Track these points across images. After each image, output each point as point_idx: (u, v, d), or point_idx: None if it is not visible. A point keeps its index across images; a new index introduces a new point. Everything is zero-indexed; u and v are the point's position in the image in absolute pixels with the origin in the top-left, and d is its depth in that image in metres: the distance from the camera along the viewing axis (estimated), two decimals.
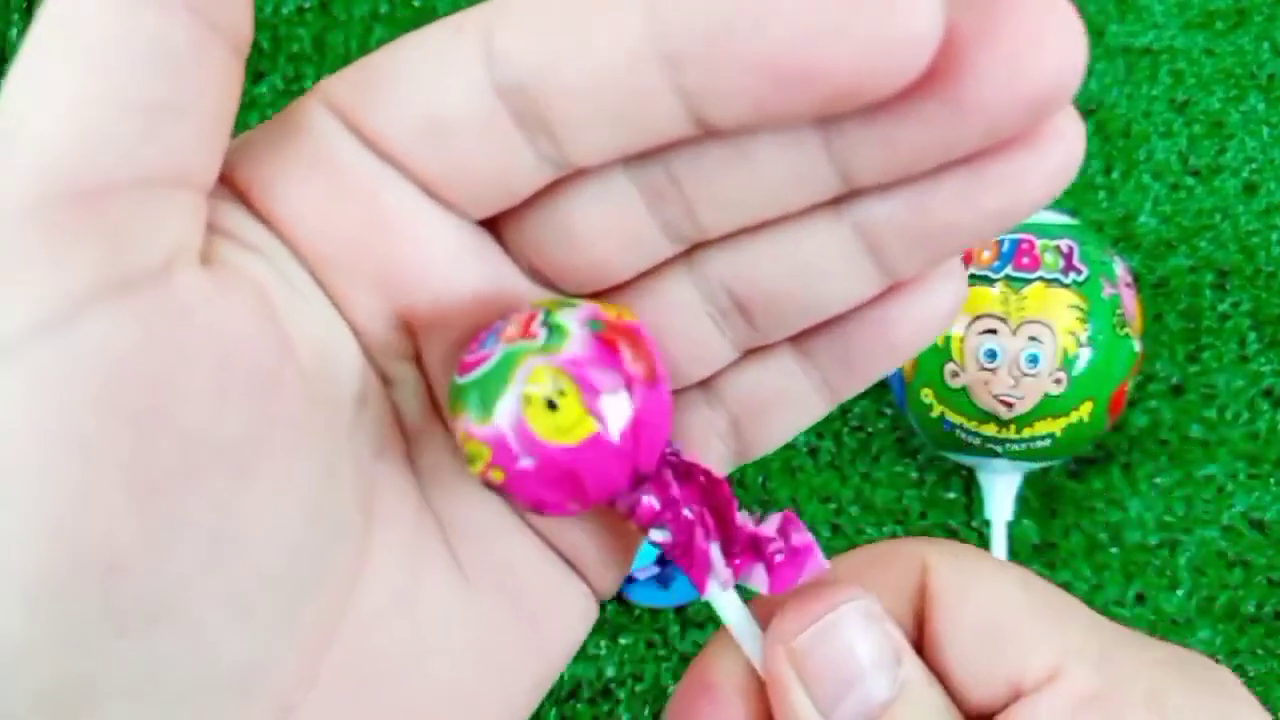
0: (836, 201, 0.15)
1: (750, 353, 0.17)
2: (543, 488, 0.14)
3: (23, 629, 0.12)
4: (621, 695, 0.39)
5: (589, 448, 0.14)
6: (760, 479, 0.41)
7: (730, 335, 0.16)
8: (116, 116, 0.12)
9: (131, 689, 0.12)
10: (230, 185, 0.15)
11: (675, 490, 0.15)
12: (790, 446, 0.41)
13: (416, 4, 0.44)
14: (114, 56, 0.12)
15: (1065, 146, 0.14)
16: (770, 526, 0.15)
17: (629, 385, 0.14)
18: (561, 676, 0.40)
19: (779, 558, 0.15)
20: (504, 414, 0.14)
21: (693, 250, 0.16)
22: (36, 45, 0.12)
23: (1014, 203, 0.14)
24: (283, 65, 0.44)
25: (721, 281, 0.16)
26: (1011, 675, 0.15)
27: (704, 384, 0.17)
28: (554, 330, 0.14)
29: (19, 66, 0.12)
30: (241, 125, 0.44)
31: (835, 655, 0.15)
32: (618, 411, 0.14)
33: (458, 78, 0.14)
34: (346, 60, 0.44)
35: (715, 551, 0.15)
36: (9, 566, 0.12)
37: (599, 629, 0.40)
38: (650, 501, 0.15)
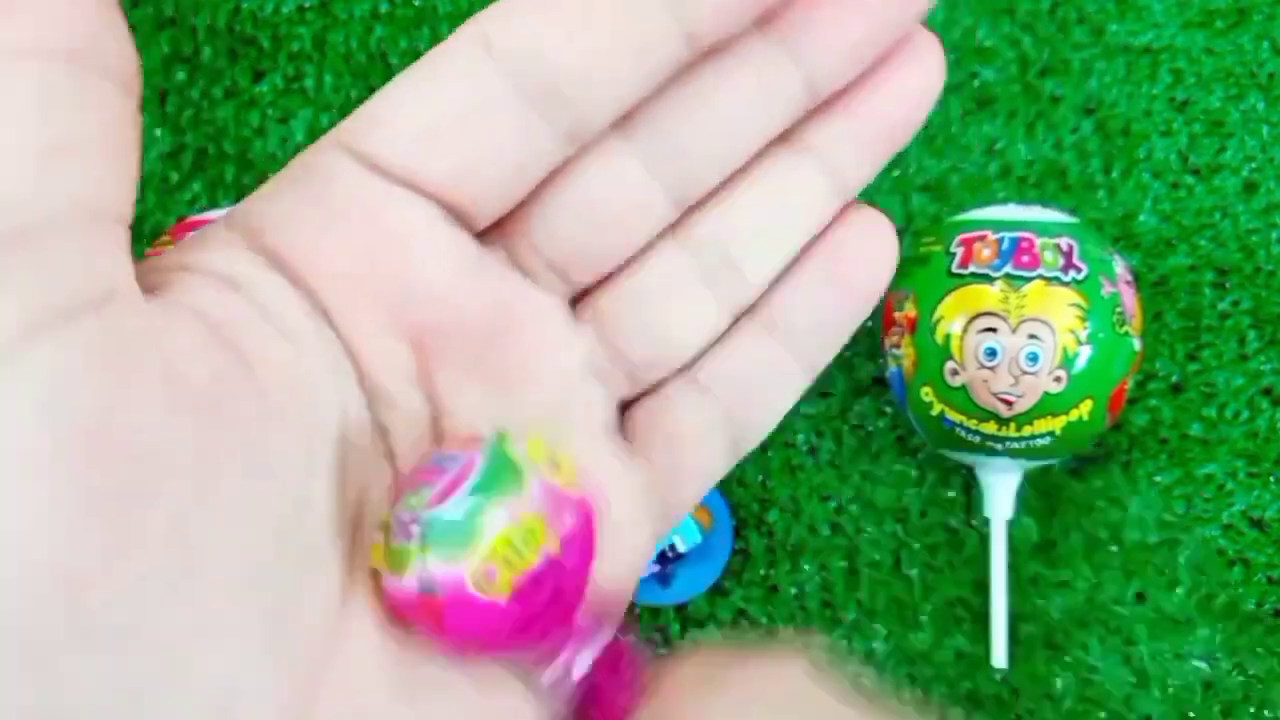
0: (789, 140, 0.18)
1: (732, 331, 0.18)
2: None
3: None
4: None
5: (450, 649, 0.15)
6: (760, 477, 0.41)
7: (722, 294, 0.18)
8: (13, 163, 0.12)
9: (103, 712, 0.12)
10: (245, 233, 0.15)
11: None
12: (790, 445, 0.41)
13: (417, 3, 0.44)
14: (1, 107, 0.12)
15: (933, 48, 0.18)
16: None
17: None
18: None
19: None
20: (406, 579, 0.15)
21: (679, 220, 0.18)
22: None
23: (928, 83, 0.18)
24: (283, 64, 0.44)
25: (710, 237, 0.18)
26: None
27: (691, 376, 0.18)
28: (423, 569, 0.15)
29: None
30: (243, 123, 0.44)
31: None
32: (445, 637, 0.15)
33: (460, 76, 0.15)
34: (346, 60, 0.44)
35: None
36: None
37: None
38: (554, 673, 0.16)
